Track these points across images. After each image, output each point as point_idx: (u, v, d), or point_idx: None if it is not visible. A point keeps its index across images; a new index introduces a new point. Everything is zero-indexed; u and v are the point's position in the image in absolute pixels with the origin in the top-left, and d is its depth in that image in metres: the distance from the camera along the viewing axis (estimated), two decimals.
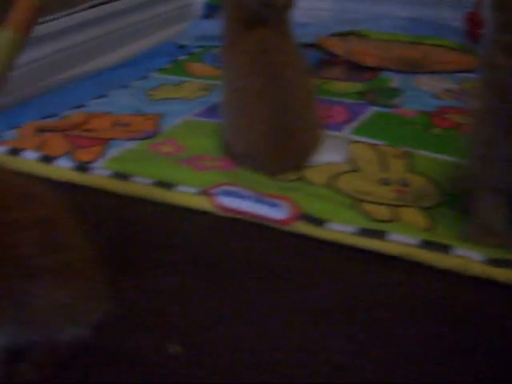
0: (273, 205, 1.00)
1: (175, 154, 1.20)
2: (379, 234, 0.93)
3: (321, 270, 0.92)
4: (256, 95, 1.10)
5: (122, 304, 0.82)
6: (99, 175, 1.13)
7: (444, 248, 0.90)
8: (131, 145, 1.26)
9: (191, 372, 0.74)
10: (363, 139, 1.27)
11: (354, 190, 1.08)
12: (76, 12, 1.79)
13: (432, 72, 1.65)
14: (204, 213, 1.05)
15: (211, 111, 1.42)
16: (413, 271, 0.91)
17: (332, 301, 0.85)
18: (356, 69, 1.69)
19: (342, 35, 1.85)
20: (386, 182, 1.10)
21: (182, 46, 1.96)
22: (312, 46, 1.79)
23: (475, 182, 0.93)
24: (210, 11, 2.17)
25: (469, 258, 0.88)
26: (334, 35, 1.86)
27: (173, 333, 0.80)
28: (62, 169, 1.15)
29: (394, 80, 1.62)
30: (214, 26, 2.08)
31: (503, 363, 0.74)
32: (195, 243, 0.99)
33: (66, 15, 1.75)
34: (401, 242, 0.92)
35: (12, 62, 1.42)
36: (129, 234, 1.01)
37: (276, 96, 1.09)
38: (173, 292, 0.88)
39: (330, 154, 1.18)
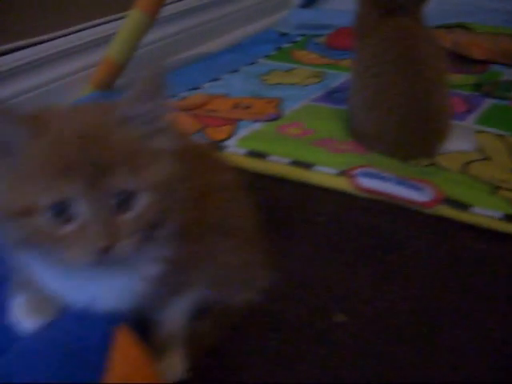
0: (416, 187, 1.02)
1: (304, 136, 1.23)
2: None
3: (463, 252, 0.93)
4: (394, 81, 1.12)
5: (283, 274, 0.85)
6: (234, 153, 1.16)
7: None
8: (258, 126, 1.29)
9: (357, 340, 0.77)
10: (487, 129, 1.27)
11: (489, 177, 1.08)
12: None
13: None
14: (342, 193, 1.07)
15: (328, 97, 1.45)
16: None
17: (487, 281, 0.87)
18: (464, 61, 1.68)
19: (449, 27, 1.84)
20: None
21: (283, 34, 1.99)
22: None
23: None
24: (310, 1, 2.19)
25: None
26: (439, 27, 1.85)
27: (333, 302, 0.83)
28: None
29: (506, 73, 1.60)
30: (314, 16, 2.13)
31: None
32: (337, 220, 1.01)
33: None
34: None
35: (138, 42, 1.47)
36: (270, 210, 1.04)
37: (415, 83, 1.10)
38: (323, 264, 0.91)
39: (459, 142, 1.19)
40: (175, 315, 0.71)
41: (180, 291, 0.68)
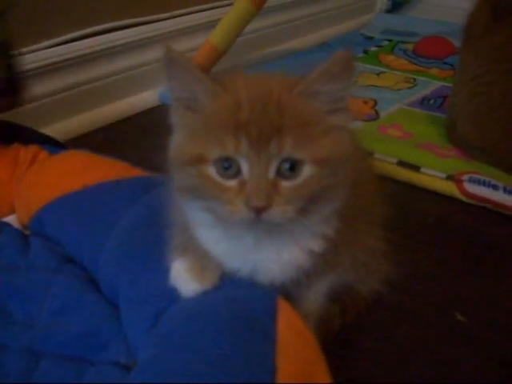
0: None
1: (406, 139, 1.24)
2: None
3: None
4: (507, 93, 1.12)
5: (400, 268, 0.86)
6: None
7: None
8: (357, 124, 1.30)
9: (472, 339, 0.79)
10: None
11: None
12: None
13: None
14: (449, 197, 1.08)
15: (421, 103, 1.46)
16: None
17: None
18: None
19: None
20: None
21: (369, 38, 2.00)
22: None
23: None
24: (395, 7, 2.20)
25: None
26: None
27: (454, 301, 0.84)
28: None
29: None
30: (399, 22, 2.14)
31: None
32: (445, 223, 1.02)
33: None
34: None
35: (241, 31, 1.50)
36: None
37: None
38: (435, 263, 0.92)
39: None
40: (313, 295, 0.73)
41: (326, 272, 0.70)
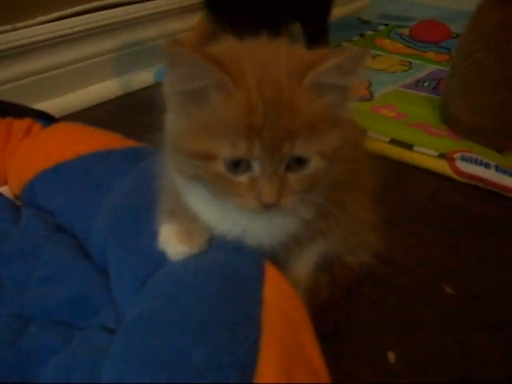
0: None
1: (399, 119, 1.25)
2: None
3: None
4: (494, 70, 1.12)
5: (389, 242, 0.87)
6: None
7: None
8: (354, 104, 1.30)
9: (461, 309, 0.80)
10: None
11: None
12: None
13: None
14: (439, 175, 1.09)
15: (416, 85, 1.46)
16: None
17: None
18: None
19: None
20: None
21: (365, 22, 2.00)
22: None
23: None
24: None
25: None
26: None
27: (441, 275, 0.85)
28: None
29: None
30: (396, 6, 2.14)
31: None
32: (434, 200, 1.03)
33: None
34: None
35: None
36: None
37: None
38: (424, 240, 0.93)
39: None
40: (303, 263, 0.73)
41: (316, 239, 0.70)
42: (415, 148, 1.12)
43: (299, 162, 0.56)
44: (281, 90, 0.54)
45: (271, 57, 0.57)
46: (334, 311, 0.77)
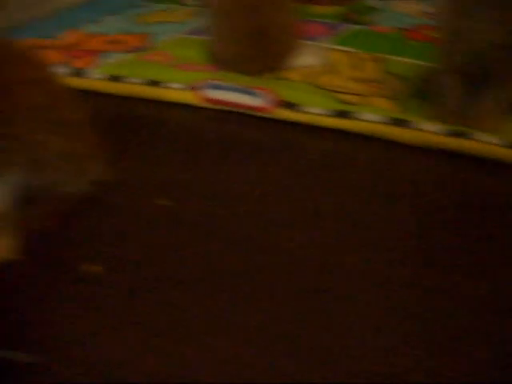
0: (255, 94, 1.10)
1: (165, 62, 1.30)
2: (349, 114, 1.03)
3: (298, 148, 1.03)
4: (234, 5, 1.19)
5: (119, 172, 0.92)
6: (95, 79, 1.22)
7: (410, 124, 1.01)
8: (124, 56, 1.35)
9: (178, 217, 0.86)
10: (340, 48, 1.35)
11: (329, 84, 1.17)
12: None
13: None
14: (192, 106, 1.14)
15: (200, 31, 1.51)
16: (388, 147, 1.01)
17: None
18: None
19: None
20: (360, 80, 1.20)
21: None
22: None
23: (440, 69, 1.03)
24: None
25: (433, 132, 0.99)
26: None
27: (160, 190, 0.91)
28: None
29: (373, 3, 1.69)
30: None
31: None
32: (184, 131, 1.09)
33: None
34: (371, 120, 1.02)
35: None
36: (124, 125, 1.11)
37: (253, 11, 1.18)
38: (162, 164, 0.98)
39: (307, 59, 1.27)
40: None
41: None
42: (165, 84, 1.17)
43: None
44: None
45: None
46: (52, 241, 0.81)
